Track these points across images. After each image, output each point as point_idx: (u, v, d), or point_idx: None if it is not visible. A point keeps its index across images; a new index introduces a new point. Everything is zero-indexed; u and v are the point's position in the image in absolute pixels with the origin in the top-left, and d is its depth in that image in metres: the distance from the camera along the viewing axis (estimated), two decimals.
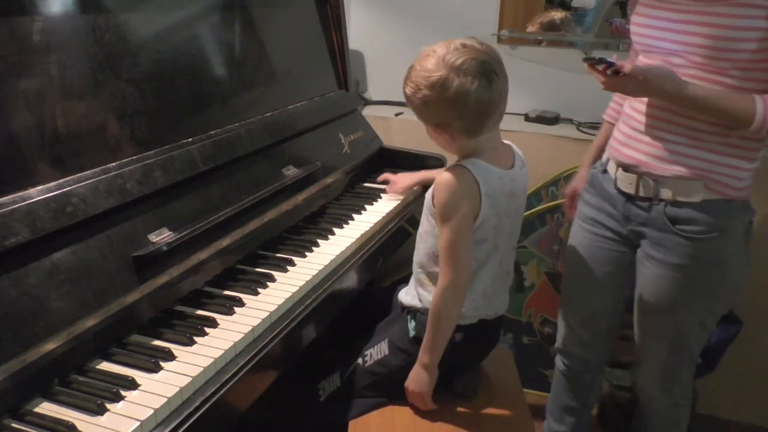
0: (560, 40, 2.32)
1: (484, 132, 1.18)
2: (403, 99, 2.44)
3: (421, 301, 1.27)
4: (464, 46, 1.13)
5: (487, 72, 1.12)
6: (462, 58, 1.11)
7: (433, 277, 1.25)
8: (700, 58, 1.19)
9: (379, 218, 1.52)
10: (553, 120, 2.25)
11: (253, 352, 0.99)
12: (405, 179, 1.69)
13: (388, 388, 1.28)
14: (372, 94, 2.54)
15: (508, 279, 1.33)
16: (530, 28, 2.31)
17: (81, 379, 0.90)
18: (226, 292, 1.14)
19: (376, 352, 1.31)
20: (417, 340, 1.26)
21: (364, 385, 1.31)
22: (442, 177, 1.18)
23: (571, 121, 2.25)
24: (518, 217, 1.28)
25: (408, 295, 1.32)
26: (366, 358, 1.32)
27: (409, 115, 2.36)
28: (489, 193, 1.17)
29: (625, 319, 1.98)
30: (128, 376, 0.89)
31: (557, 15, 2.27)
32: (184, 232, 1.10)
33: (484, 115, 1.15)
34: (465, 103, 1.12)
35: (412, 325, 1.29)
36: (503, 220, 1.21)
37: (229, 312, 1.07)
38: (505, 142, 1.27)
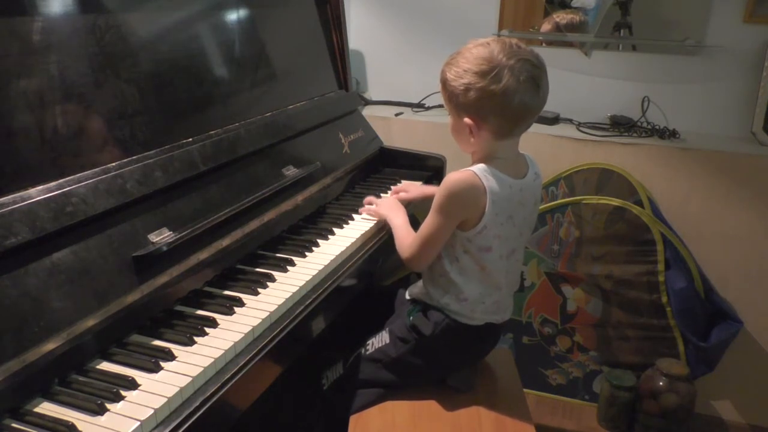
0: (560, 40, 2.32)
1: (510, 137, 1.19)
2: (403, 99, 2.45)
3: (430, 297, 1.30)
4: (519, 47, 1.14)
5: (536, 78, 1.13)
6: (518, 57, 1.12)
7: (442, 277, 1.27)
8: None
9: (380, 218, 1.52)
10: (553, 120, 2.25)
11: (254, 352, 0.99)
12: (414, 189, 1.63)
13: (387, 376, 1.31)
14: (372, 94, 2.54)
15: (515, 287, 1.35)
16: (545, 27, 2.31)
17: (81, 379, 0.90)
18: (226, 292, 1.14)
19: (378, 340, 1.34)
20: (414, 328, 1.28)
21: (365, 372, 1.33)
22: (450, 177, 1.19)
23: (571, 121, 2.25)
24: (526, 226, 1.29)
25: (416, 288, 1.36)
26: (368, 347, 1.35)
27: (409, 115, 2.37)
28: (495, 201, 1.17)
29: (625, 319, 1.99)
30: (128, 376, 0.89)
31: (576, 17, 2.27)
32: (184, 232, 1.10)
33: (521, 119, 1.16)
34: (510, 102, 1.12)
35: (414, 312, 1.31)
36: (509, 229, 1.22)
37: (229, 312, 1.07)
38: (523, 153, 1.28)
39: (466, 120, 1.17)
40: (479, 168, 1.18)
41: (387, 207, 1.46)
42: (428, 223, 1.22)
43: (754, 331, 2.00)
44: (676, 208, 2.03)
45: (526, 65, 1.12)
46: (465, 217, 1.19)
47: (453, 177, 1.18)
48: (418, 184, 1.74)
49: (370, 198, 1.56)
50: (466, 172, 1.18)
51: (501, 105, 1.13)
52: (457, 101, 1.17)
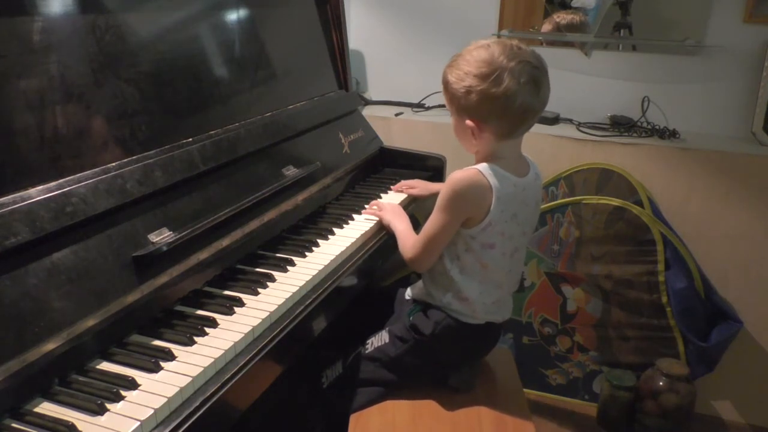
0: (560, 40, 2.32)
1: (513, 137, 1.20)
2: (403, 99, 2.44)
3: (431, 297, 1.30)
4: (519, 48, 1.14)
5: (537, 79, 1.13)
6: (518, 59, 1.12)
7: (442, 276, 1.27)
8: None
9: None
10: (553, 120, 2.25)
11: (254, 352, 0.99)
12: (421, 185, 1.67)
13: (386, 375, 1.31)
14: (372, 94, 2.54)
15: (515, 287, 1.35)
16: (545, 27, 2.31)
17: (81, 379, 0.90)
18: (226, 292, 1.14)
19: (377, 340, 1.35)
20: (414, 329, 1.28)
21: (364, 371, 1.33)
22: (455, 174, 1.19)
23: (571, 121, 2.25)
24: (529, 226, 1.29)
25: (417, 288, 1.37)
26: (367, 346, 1.35)
27: (409, 115, 2.37)
28: (501, 198, 1.17)
29: (625, 319, 1.99)
30: (128, 376, 0.89)
31: (576, 17, 2.27)
32: (184, 232, 1.10)
33: (523, 120, 1.16)
34: (511, 104, 1.13)
35: (414, 312, 1.31)
36: (513, 227, 1.22)
37: (229, 312, 1.07)
38: (524, 154, 1.28)
39: (468, 122, 1.17)
40: (483, 166, 1.18)
41: (391, 213, 1.46)
42: (432, 222, 1.22)
43: (754, 331, 2.00)
44: (676, 208, 2.03)
45: (527, 67, 1.12)
46: (470, 215, 1.19)
47: (457, 176, 1.18)
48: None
49: (375, 201, 1.57)
50: (470, 170, 1.19)
51: (502, 107, 1.13)
52: (459, 104, 1.18)
